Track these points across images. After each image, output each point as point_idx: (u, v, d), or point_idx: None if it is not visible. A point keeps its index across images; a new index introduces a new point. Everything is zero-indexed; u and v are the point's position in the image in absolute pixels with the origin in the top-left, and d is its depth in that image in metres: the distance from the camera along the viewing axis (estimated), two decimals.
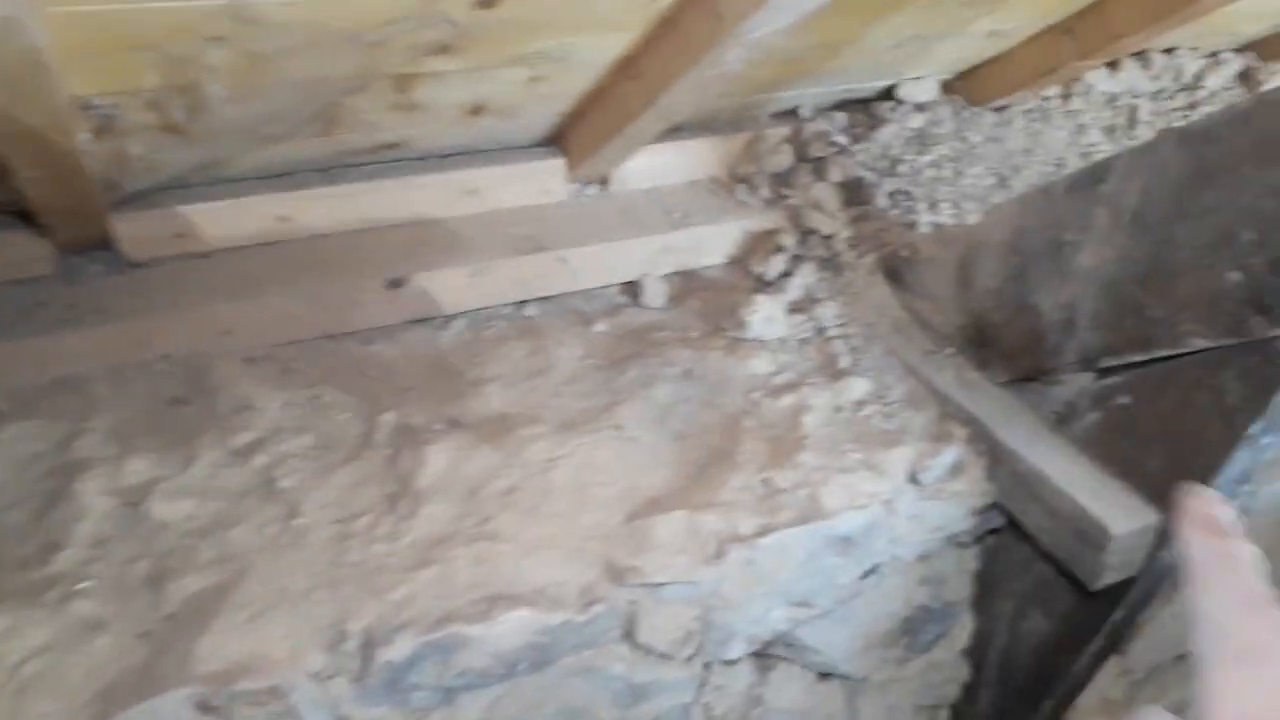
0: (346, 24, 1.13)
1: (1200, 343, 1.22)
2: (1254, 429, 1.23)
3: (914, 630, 1.72)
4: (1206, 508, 0.73)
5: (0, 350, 1.43)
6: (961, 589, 1.74)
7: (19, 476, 1.34)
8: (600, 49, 1.43)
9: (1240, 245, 1.12)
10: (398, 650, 1.19)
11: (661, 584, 1.33)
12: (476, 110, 1.54)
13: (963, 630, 1.79)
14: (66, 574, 1.22)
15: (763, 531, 1.37)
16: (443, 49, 1.26)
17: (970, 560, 1.72)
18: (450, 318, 1.70)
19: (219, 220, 1.59)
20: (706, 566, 1.34)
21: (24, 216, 1.48)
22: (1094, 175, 1.31)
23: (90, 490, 1.32)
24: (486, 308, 1.73)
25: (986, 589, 1.75)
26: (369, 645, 1.19)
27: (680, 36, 1.33)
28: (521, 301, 1.76)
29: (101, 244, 1.56)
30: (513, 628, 1.24)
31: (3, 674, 1.09)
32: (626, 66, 1.50)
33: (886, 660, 1.73)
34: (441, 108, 1.50)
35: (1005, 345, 1.53)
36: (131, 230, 1.54)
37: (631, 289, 1.84)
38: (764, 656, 1.65)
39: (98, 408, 1.44)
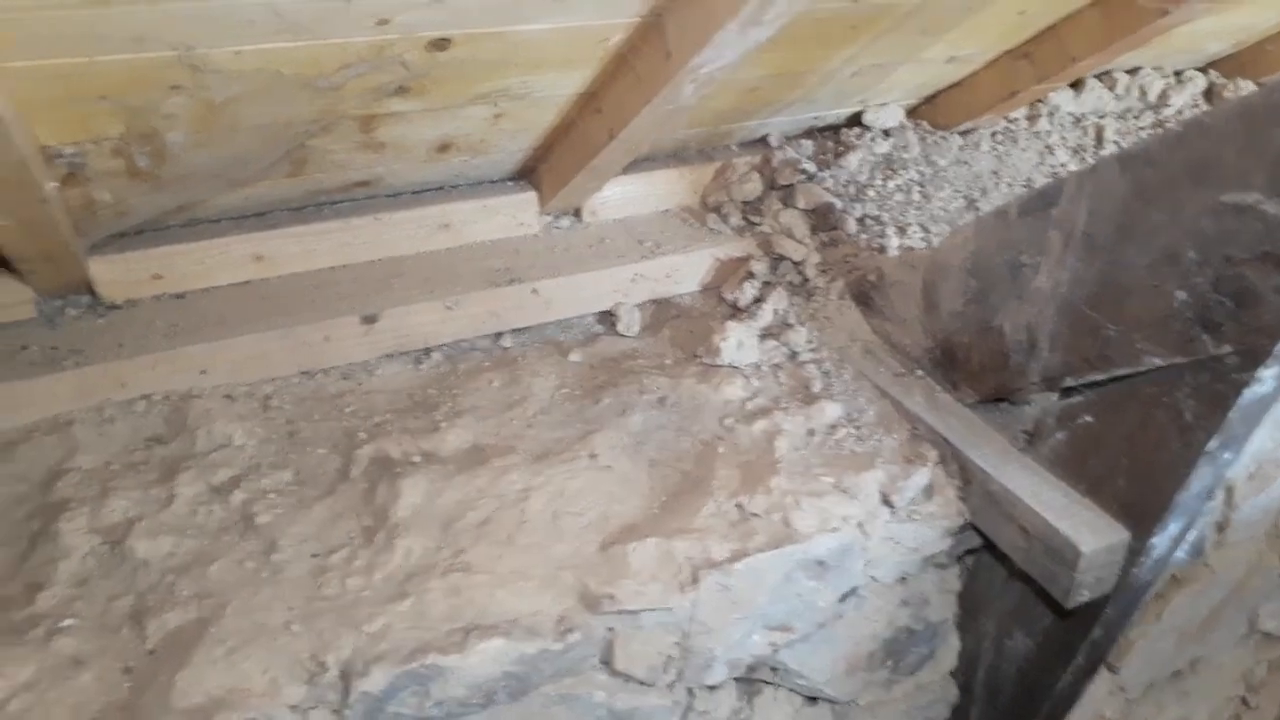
0: (300, 70, 1.16)
1: (1155, 361, 1.24)
2: (1211, 445, 1.24)
3: (899, 652, 1.72)
4: None
5: None
6: (945, 609, 1.74)
7: (2, 519, 1.36)
8: (559, 85, 1.45)
9: (1185, 264, 1.14)
10: (374, 681, 1.20)
11: (637, 611, 1.34)
12: (444, 147, 1.57)
13: (949, 651, 1.79)
14: (50, 612, 1.23)
15: (736, 556, 1.38)
16: (402, 90, 1.28)
17: (952, 580, 1.72)
18: (427, 350, 1.72)
19: (195, 261, 1.61)
20: (681, 593, 1.35)
21: (4, 263, 1.50)
22: (1046, 198, 1.33)
23: (72, 530, 1.34)
24: (463, 340, 1.75)
25: (970, 609, 1.75)
26: (347, 677, 1.20)
27: (633, 74, 1.35)
28: (498, 333, 1.78)
29: (81, 287, 1.58)
30: (489, 657, 1.25)
31: None
32: (589, 101, 1.52)
33: (872, 683, 1.73)
34: (408, 146, 1.52)
35: (972, 367, 1.55)
36: (109, 273, 1.57)
37: (607, 317, 1.86)
38: (748, 681, 1.66)
39: (79, 448, 1.46)
